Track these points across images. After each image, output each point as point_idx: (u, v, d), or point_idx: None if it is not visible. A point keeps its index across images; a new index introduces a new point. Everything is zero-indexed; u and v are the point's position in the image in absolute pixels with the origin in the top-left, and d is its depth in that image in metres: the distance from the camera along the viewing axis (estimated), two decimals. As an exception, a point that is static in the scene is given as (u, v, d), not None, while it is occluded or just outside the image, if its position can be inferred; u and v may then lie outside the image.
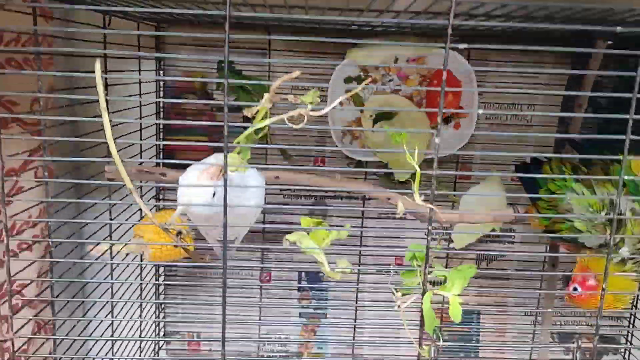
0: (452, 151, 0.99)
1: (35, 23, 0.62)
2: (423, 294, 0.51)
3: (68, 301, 0.85)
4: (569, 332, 1.15)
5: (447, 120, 1.02)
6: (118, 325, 0.94)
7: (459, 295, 0.49)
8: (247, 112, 0.50)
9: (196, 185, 0.56)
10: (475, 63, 1.02)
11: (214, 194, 0.58)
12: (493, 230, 1.05)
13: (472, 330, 1.16)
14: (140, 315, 1.04)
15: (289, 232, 0.50)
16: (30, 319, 0.75)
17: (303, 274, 1.13)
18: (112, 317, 0.93)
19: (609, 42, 0.87)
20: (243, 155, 0.52)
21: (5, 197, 0.51)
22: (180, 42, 1.01)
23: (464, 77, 0.97)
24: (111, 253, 0.84)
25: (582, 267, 0.67)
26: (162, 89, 1.03)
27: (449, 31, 0.44)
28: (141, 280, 1.03)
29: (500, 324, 1.15)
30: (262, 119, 0.49)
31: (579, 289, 0.65)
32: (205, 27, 1.00)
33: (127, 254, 0.89)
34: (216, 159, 0.60)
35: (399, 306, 0.50)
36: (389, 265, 1.13)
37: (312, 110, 0.47)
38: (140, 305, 1.04)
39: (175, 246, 0.86)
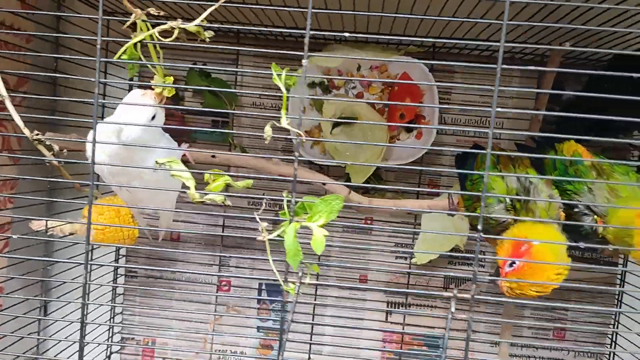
0: (414, 159, 0.97)
1: None
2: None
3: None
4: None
5: (409, 129, 1.01)
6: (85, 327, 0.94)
7: (321, 226, 0.47)
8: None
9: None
10: (440, 77, 1.03)
11: (154, 117, 0.61)
12: (456, 247, 1.02)
13: (439, 357, 1.09)
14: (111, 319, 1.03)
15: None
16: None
17: (264, 284, 1.11)
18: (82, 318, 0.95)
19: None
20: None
21: None
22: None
23: (426, 88, 0.98)
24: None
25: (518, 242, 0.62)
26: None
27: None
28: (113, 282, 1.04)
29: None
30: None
31: (517, 261, 0.60)
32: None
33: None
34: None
35: (263, 237, 0.48)
36: (356, 280, 1.10)
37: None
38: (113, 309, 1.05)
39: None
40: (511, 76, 1.03)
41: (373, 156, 0.97)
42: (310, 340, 1.08)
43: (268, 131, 0.48)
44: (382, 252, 1.09)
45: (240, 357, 1.11)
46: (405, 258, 1.08)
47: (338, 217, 1.08)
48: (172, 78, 0.64)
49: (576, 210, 0.66)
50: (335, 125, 0.99)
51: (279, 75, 0.49)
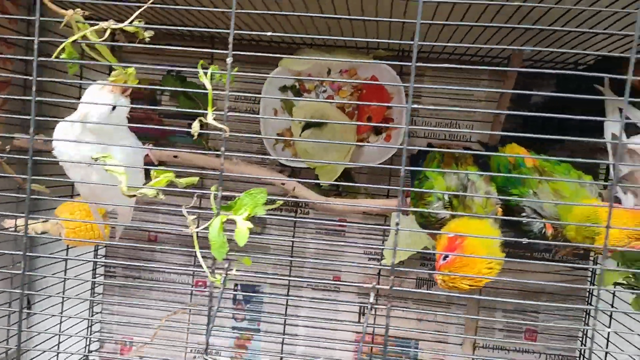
0: (382, 160, 0.99)
1: None
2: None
3: None
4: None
5: (378, 131, 1.03)
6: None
7: (246, 218, 0.49)
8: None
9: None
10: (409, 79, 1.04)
11: (114, 108, 0.63)
12: (425, 248, 1.03)
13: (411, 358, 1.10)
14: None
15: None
16: None
17: (239, 285, 1.12)
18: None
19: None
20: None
21: None
22: (132, 51, 1.08)
23: (394, 90, 0.99)
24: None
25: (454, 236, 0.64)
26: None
27: None
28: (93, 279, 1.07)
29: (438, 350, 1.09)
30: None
31: (450, 254, 0.62)
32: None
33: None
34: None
35: (192, 231, 0.50)
36: (332, 280, 1.11)
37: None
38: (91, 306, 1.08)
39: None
40: (479, 79, 1.04)
41: (340, 158, 0.98)
42: (283, 340, 1.10)
43: (195, 127, 0.50)
44: (355, 253, 1.10)
45: (216, 357, 1.13)
46: (378, 260, 1.09)
47: (313, 218, 1.11)
48: (133, 70, 0.65)
49: (524, 214, 0.67)
50: (305, 127, 1.01)
51: (205, 72, 0.50)
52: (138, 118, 1.10)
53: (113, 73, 0.64)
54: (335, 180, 1.00)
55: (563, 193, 0.65)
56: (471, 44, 0.91)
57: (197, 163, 0.82)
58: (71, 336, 1.03)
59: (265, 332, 1.12)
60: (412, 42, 0.49)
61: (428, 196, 0.67)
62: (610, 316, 0.95)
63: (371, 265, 1.09)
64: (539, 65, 1.00)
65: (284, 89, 1.04)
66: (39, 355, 1.04)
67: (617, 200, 0.72)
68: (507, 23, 0.81)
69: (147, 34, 0.56)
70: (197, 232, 0.50)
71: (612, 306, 0.95)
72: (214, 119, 0.51)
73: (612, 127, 0.72)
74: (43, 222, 0.88)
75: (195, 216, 0.51)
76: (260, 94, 1.03)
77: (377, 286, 0.55)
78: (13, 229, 0.86)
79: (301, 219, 1.09)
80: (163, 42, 1.03)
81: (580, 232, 0.61)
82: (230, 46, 0.50)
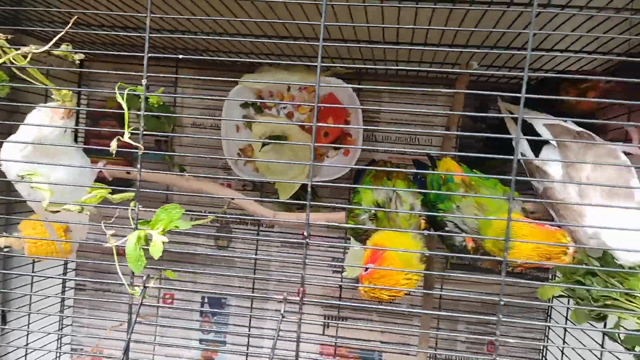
0: (341, 174, 1.01)
1: None
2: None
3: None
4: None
5: (336, 147, 1.05)
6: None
7: (161, 233, 0.51)
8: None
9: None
10: (368, 96, 1.07)
11: (65, 131, 0.66)
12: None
13: (374, 370, 1.11)
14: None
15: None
16: None
17: (206, 297, 1.15)
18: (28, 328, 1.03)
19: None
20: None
21: None
22: (100, 73, 1.12)
23: (348, 101, 1.02)
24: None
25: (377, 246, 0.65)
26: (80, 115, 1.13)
27: None
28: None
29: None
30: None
31: (369, 267, 0.64)
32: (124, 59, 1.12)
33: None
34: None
35: (111, 243, 0.52)
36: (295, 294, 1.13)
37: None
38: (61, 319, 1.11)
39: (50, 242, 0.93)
40: (436, 96, 1.06)
41: (300, 172, 1.01)
42: (247, 350, 1.11)
43: (113, 145, 0.53)
44: (319, 266, 1.12)
45: (184, 369, 1.15)
46: (340, 272, 1.11)
47: (277, 232, 1.13)
48: (70, 93, 0.68)
49: (447, 229, 0.68)
50: (264, 144, 1.04)
51: (121, 93, 0.53)
52: (107, 136, 1.13)
53: (56, 97, 0.67)
54: (295, 195, 1.02)
55: (487, 207, 0.66)
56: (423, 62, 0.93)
57: (149, 179, 0.85)
58: (38, 349, 1.06)
59: (231, 344, 1.14)
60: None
61: (357, 210, 0.69)
62: (565, 330, 0.96)
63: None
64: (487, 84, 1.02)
65: (245, 105, 1.06)
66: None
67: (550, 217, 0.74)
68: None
69: (77, 57, 0.59)
70: (116, 246, 0.53)
71: (567, 319, 0.96)
72: (129, 138, 0.53)
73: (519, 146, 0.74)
74: (6, 237, 0.91)
75: (113, 231, 0.53)
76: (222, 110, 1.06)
77: (288, 298, 0.56)
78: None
79: (266, 233, 1.12)
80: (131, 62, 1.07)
81: (496, 245, 0.62)
82: (145, 68, 0.53)
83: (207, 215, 0.72)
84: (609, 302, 0.69)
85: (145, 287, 0.54)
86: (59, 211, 0.55)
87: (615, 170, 0.68)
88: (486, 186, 0.69)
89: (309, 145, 1.01)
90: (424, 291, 0.97)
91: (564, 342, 0.96)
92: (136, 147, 0.53)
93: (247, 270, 1.12)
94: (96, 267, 1.13)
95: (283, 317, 0.55)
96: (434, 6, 0.64)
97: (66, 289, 1.14)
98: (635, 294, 0.67)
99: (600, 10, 0.64)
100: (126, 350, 0.52)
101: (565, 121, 0.76)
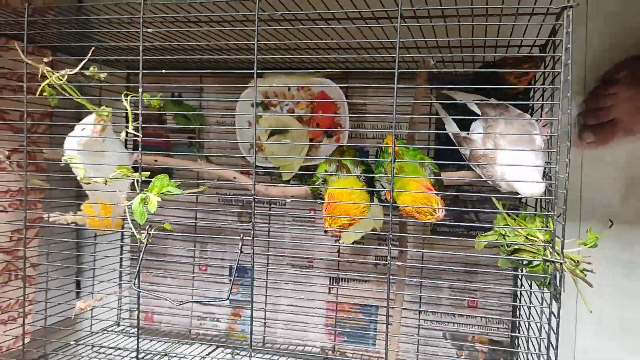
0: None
1: None
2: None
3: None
4: (461, 333, 1.25)
5: (329, 135, 1.26)
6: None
7: (158, 195, 0.75)
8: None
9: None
10: (356, 91, 1.27)
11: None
12: (374, 229, 1.24)
13: (371, 322, 1.31)
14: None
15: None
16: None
17: (233, 266, 1.39)
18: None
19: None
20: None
21: None
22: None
23: (337, 97, 1.22)
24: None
25: (329, 196, 0.87)
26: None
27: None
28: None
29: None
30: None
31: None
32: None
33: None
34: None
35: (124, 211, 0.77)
36: (305, 261, 1.35)
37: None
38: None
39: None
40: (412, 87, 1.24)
41: (297, 160, 1.22)
42: (265, 307, 1.34)
43: (122, 135, 0.77)
44: (324, 236, 1.33)
45: (216, 323, 1.40)
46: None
47: (288, 208, 1.35)
48: (108, 110, 0.94)
49: (377, 186, 0.89)
50: (271, 134, 1.26)
51: (125, 98, 0.77)
52: (149, 135, 1.40)
53: (94, 114, 0.92)
54: (296, 176, 1.24)
55: (404, 170, 0.86)
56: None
57: (173, 165, 1.10)
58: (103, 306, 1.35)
59: (255, 302, 1.37)
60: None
61: (314, 177, 0.92)
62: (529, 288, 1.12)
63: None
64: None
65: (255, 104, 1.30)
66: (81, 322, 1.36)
67: (477, 175, 0.91)
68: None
69: (102, 76, 0.84)
70: (127, 207, 0.77)
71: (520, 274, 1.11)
72: (133, 130, 0.77)
73: (448, 125, 0.93)
74: (73, 214, 1.20)
75: (125, 194, 0.78)
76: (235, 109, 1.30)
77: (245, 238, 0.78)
78: (48, 218, 1.18)
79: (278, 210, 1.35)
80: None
81: (396, 196, 0.82)
82: (140, 78, 0.77)
83: (230, 197, 0.95)
84: (517, 247, 0.86)
85: (148, 233, 0.78)
86: (89, 183, 0.80)
87: (521, 125, 0.85)
88: (409, 155, 0.88)
89: (304, 134, 1.23)
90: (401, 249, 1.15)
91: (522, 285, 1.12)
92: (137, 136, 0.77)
93: (264, 242, 1.36)
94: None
95: (241, 251, 0.76)
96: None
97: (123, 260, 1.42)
98: (535, 238, 0.84)
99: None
100: (137, 274, 0.76)
101: (489, 99, 0.93)
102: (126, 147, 1.22)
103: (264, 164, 1.28)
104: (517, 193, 0.85)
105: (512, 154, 0.81)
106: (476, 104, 0.91)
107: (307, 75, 1.25)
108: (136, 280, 0.77)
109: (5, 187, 1.19)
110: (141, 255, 0.78)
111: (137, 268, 0.78)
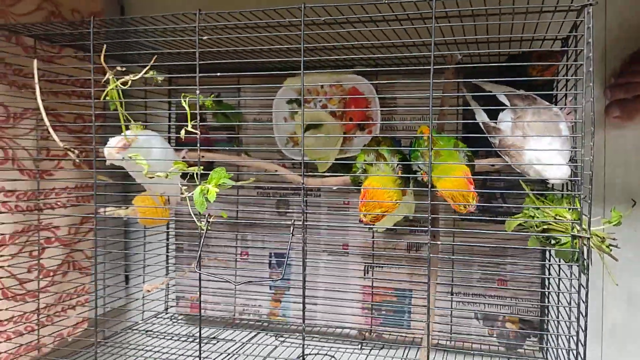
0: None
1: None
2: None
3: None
4: (492, 313, 1.32)
5: (362, 128, 1.33)
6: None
7: (216, 187, 0.83)
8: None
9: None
10: (385, 86, 1.34)
11: (122, 158, 1.01)
12: (407, 216, 1.31)
13: (405, 305, 1.38)
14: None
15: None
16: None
17: (273, 253, 1.47)
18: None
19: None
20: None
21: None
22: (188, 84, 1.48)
23: (371, 97, 1.29)
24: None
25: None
26: (174, 117, 1.51)
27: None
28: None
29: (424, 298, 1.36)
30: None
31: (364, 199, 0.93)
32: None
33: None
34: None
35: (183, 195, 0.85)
36: (340, 247, 1.43)
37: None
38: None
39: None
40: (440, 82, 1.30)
41: (332, 152, 1.30)
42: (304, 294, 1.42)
43: (182, 133, 0.86)
44: (359, 225, 1.41)
45: (258, 309, 1.48)
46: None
47: (324, 199, 1.43)
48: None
49: (415, 169, 0.96)
50: (306, 129, 1.34)
51: (184, 99, 0.85)
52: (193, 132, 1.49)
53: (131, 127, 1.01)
54: (332, 168, 1.32)
55: (441, 155, 0.93)
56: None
57: (219, 158, 1.18)
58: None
59: (293, 289, 1.45)
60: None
61: (354, 167, 0.99)
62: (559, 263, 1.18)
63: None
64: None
65: (290, 101, 1.38)
66: (132, 310, 1.46)
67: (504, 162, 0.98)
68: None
69: (160, 78, 0.92)
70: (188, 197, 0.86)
71: (549, 254, 1.17)
72: (192, 128, 0.85)
73: (478, 115, 0.99)
74: (125, 208, 1.29)
75: (186, 186, 0.86)
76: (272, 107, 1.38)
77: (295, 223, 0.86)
78: (104, 213, 1.27)
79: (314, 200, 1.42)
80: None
81: (435, 182, 0.89)
82: (197, 81, 0.85)
83: (266, 188, 1.03)
84: (545, 227, 0.92)
85: (208, 221, 0.86)
86: (153, 177, 0.88)
87: (549, 116, 0.92)
88: (443, 140, 0.95)
89: (338, 128, 1.30)
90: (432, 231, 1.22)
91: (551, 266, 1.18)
92: (196, 134, 0.85)
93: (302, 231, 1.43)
94: (191, 233, 1.49)
95: (293, 235, 0.84)
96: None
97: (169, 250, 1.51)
98: (563, 217, 0.90)
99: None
100: (199, 259, 0.85)
101: (518, 90, 1.00)
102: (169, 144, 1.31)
103: (299, 156, 1.35)
104: (543, 178, 0.91)
105: (540, 142, 0.87)
106: (505, 95, 0.97)
107: (339, 73, 1.32)
108: (197, 263, 0.86)
109: (64, 184, 1.29)
110: (202, 240, 0.87)
111: (199, 252, 0.86)
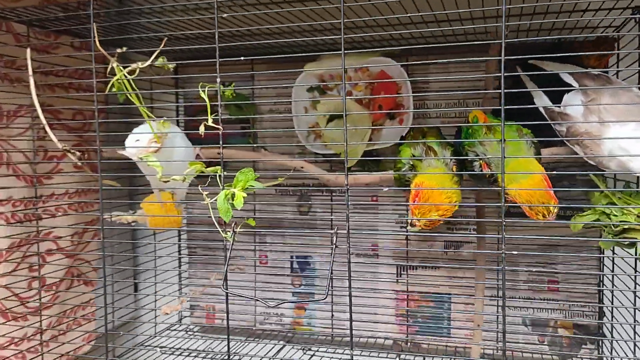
0: (397, 140, 1.16)
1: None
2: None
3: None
4: (542, 319, 1.19)
5: (392, 116, 1.20)
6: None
7: (241, 189, 0.70)
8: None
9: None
10: (417, 69, 1.20)
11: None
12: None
13: (444, 311, 1.25)
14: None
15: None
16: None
17: (294, 257, 1.34)
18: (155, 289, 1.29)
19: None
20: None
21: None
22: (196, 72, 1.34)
23: (398, 76, 1.15)
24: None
25: (417, 185, 0.81)
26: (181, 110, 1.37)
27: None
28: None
29: (468, 304, 1.23)
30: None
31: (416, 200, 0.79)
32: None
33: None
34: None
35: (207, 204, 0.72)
36: (369, 249, 1.30)
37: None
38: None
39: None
40: (479, 62, 1.17)
41: (361, 142, 1.17)
42: (331, 301, 1.29)
43: (202, 129, 0.72)
44: (388, 224, 1.28)
45: (281, 318, 1.35)
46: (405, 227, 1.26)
47: (350, 196, 1.29)
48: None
49: (469, 159, 0.82)
50: (329, 120, 1.21)
51: (203, 90, 0.72)
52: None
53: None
54: (360, 162, 1.19)
55: (507, 146, 0.79)
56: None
57: (235, 157, 1.04)
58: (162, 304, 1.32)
59: (318, 295, 1.33)
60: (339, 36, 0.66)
61: (399, 163, 0.85)
62: (613, 261, 1.05)
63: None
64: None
65: (310, 89, 1.24)
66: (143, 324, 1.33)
67: (573, 153, 0.84)
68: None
69: (171, 66, 0.79)
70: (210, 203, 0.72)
71: (614, 253, 1.04)
72: (212, 123, 0.72)
73: (538, 99, 0.86)
74: (132, 214, 1.16)
75: (207, 192, 0.73)
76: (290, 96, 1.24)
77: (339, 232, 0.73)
78: (116, 220, 1.14)
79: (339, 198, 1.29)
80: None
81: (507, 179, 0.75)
82: (217, 68, 0.71)
83: (277, 176, 0.90)
84: (626, 227, 0.79)
85: (234, 231, 0.73)
86: (168, 180, 0.75)
87: (629, 98, 0.78)
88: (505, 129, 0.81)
89: (367, 118, 1.17)
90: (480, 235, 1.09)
91: (613, 269, 1.05)
92: (218, 129, 0.72)
93: (326, 231, 1.31)
94: (204, 235, 1.36)
95: (336, 246, 0.71)
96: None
97: (182, 255, 1.38)
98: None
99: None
100: (225, 277, 0.72)
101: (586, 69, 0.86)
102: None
103: (323, 151, 1.22)
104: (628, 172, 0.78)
105: (623, 128, 0.74)
106: (571, 74, 0.83)
107: (365, 55, 1.18)
108: (224, 282, 0.73)
109: (64, 188, 1.16)
110: (228, 254, 0.74)
111: (225, 269, 0.73)
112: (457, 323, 1.24)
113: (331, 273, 0.71)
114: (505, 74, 0.65)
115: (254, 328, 1.36)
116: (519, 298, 1.21)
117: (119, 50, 0.74)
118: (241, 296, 0.81)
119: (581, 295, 1.16)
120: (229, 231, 0.74)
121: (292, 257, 1.35)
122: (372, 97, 1.20)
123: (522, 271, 1.19)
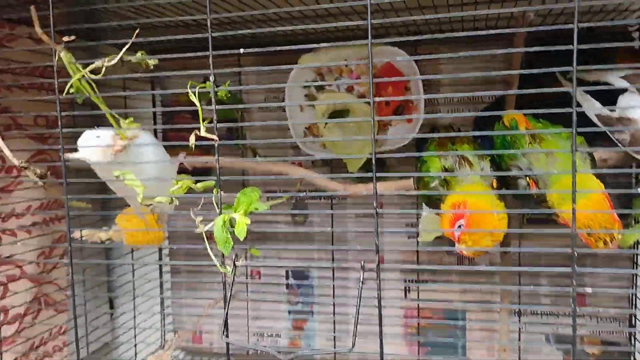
0: (406, 142, 1.03)
1: None
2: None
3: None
4: (565, 334, 1.08)
5: (400, 112, 1.07)
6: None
7: (243, 214, 0.56)
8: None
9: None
10: (427, 62, 1.08)
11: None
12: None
13: (458, 329, 1.14)
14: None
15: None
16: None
17: (290, 271, 1.21)
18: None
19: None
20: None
21: None
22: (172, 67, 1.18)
23: (407, 69, 1.02)
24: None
25: (456, 206, 0.68)
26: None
27: None
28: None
29: (486, 320, 1.12)
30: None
31: (462, 221, 0.66)
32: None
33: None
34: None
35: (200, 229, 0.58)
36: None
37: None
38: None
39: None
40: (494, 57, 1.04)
41: (365, 144, 1.03)
42: (334, 317, 1.17)
43: (192, 140, 0.58)
44: (394, 233, 1.15)
45: (277, 339, 1.22)
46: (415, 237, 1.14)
47: (349, 203, 1.17)
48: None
49: (512, 175, 0.69)
50: (330, 117, 1.07)
51: (193, 91, 0.58)
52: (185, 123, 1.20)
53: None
54: (364, 166, 1.05)
55: (556, 157, 0.66)
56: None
57: (224, 165, 0.90)
58: (145, 329, 1.17)
59: (318, 314, 1.20)
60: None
61: (426, 178, 0.72)
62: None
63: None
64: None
65: (307, 85, 1.10)
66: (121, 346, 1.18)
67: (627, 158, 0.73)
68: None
69: (152, 62, 0.64)
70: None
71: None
72: (205, 131, 0.58)
73: (586, 103, 0.73)
74: (105, 231, 1.01)
75: (202, 218, 0.59)
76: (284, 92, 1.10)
77: (366, 264, 0.60)
78: (80, 239, 0.99)
79: (340, 207, 1.16)
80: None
81: (557, 198, 0.63)
82: (210, 62, 0.57)
83: (281, 196, 0.76)
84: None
85: (235, 265, 0.59)
86: (152, 204, 0.61)
87: None
88: (552, 135, 0.68)
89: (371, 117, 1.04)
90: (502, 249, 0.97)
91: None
92: (212, 140, 0.58)
93: (325, 243, 1.18)
94: (188, 251, 1.22)
95: (363, 283, 0.58)
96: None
97: (163, 273, 1.24)
98: None
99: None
100: (225, 323, 0.58)
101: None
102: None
103: (321, 152, 1.09)
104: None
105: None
106: (623, 77, 0.71)
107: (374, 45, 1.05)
108: (224, 329, 0.59)
109: (26, 203, 1.00)
110: (229, 294, 0.60)
111: (225, 315, 0.59)
112: (473, 343, 1.13)
113: (357, 317, 0.58)
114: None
115: (248, 354, 1.22)
116: (541, 313, 1.10)
117: (65, 39, 0.59)
118: (243, 346, 0.67)
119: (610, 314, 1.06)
120: (229, 264, 0.60)
121: (287, 272, 1.21)
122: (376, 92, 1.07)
123: (545, 285, 1.08)
